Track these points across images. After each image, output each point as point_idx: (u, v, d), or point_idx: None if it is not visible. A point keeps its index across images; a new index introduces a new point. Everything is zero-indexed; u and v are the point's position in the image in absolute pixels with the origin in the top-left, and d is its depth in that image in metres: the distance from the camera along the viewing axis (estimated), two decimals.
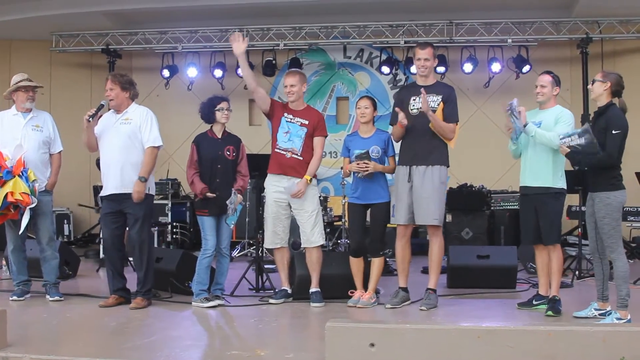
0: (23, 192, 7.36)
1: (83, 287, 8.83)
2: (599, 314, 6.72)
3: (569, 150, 6.57)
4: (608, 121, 6.56)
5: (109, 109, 7.80)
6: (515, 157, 7.49)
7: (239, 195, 7.64)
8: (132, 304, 7.45)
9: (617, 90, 6.71)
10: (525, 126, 7.03)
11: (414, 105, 7.57)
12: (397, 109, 7.52)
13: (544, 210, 7.12)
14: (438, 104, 7.52)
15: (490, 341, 4.57)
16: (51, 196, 8.07)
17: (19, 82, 8.00)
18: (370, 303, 7.57)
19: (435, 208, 7.50)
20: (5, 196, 7.29)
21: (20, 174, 7.43)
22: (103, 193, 7.64)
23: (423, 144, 7.54)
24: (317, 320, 6.97)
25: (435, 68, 8.32)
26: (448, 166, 7.66)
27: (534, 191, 7.17)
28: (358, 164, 7.50)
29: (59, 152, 8.18)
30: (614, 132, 6.52)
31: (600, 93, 6.71)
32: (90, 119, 7.56)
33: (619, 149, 6.55)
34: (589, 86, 6.86)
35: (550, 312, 7.02)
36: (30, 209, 7.51)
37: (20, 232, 7.69)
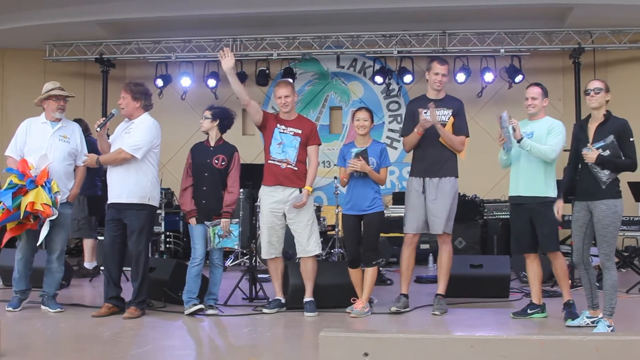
0: (44, 203, 7.28)
1: (77, 296, 8.80)
2: (591, 322, 6.74)
3: (597, 154, 6.57)
4: (621, 128, 6.61)
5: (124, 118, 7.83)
6: (504, 167, 7.52)
7: (223, 220, 7.57)
8: (126, 314, 7.43)
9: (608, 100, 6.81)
10: (520, 140, 7.09)
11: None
12: (420, 112, 7.59)
13: (541, 219, 7.17)
14: (448, 118, 7.75)
15: (483, 350, 4.57)
16: (71, 209, 8.01)
17: (50, 90, 7.89)
18: (364, 312, 7.57)
19: (449, 218, 7.78)
20: (26, 206, 7.26)
21: (44, 184, 7.36)
22: (108, 200, 7.68)
23: (435, 156, 7.74)
24: (311, 329, 6.98)
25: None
26: (457, 177, 7.84)
27: (528, 201, 7.23)
28: (356, 158, 7.50)
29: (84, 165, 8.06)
30: (631, 139, 6.60)
31: (602, 103, 6.75)
32: (99, 128, 7.55)
33: (636, 155, 6.63)
34: (592, 94, 6.72)
35: (569, 320, 7.04)
36: (49, 220, 7.45)
37: (38, 243, 7.61)
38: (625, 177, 10.16)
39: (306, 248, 7.77)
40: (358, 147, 7.66)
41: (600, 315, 6.70)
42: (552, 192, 7.22)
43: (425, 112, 7.60)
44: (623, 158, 6.57)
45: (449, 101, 7.89)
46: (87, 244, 10.71)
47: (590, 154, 6.58)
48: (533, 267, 7.41)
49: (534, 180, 7.20)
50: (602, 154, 6.55)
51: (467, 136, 7.86)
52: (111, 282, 7.63)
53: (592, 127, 6.75)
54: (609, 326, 6.51)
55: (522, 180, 7.29)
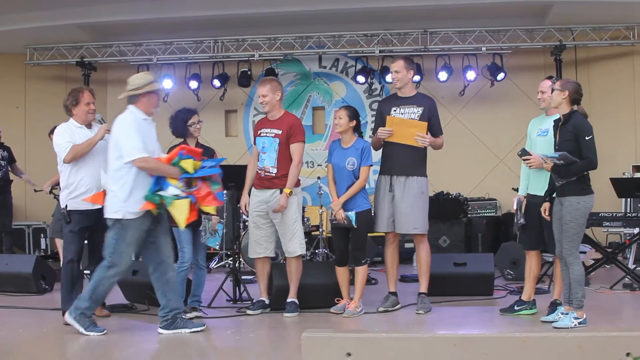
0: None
1: (58, 301, 8.71)
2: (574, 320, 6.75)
3: (552, 164, 6.67)
4: (577, 128, 6.64)
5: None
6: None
7: (213, 219, 7.57)
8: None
9: (576, 98, 6.79)
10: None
11: (394, 116, 7.71)
12: (379, 130, 7.66)
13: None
14: (418, 116, 7.68)
15: (466, 348, 4.57)
16: None
17: (152, 82, 7.00)
18: (357, 312, 7.57)
19: (416, 217, 7.67)
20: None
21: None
22: (78, 207, 7.33)
23: (403, 155, 7.69)
24: (295, 330, 6.96)
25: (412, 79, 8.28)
26: (426, 176, 7.82)
27: (539, 200, 7.21)
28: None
29: None
30: (587, 138, 6.60)
31: (559, 102, 6.79)
32: None
33: (595, 152, 6.63)
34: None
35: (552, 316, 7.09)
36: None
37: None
38: (607, 174, 10.25)
39: (288, 248, 7.75)
40: (341, 147, 7.76)
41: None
42: None
43: (394, 110, 7.69)
44: (579, 160, 6.60)
45: (420, 99, 7.85)
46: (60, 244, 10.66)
47: (545, 165, 6.76)
48: (531, 262, 7.46)
49: (541, 182, 7.21)
50: (557, 162, 6.65)
51: (442, 133, 7.90)
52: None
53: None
54: (576, 318, 6.59)
55: (533, 180, 7.34)
